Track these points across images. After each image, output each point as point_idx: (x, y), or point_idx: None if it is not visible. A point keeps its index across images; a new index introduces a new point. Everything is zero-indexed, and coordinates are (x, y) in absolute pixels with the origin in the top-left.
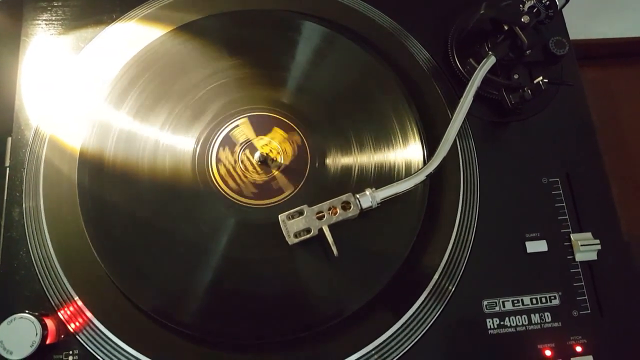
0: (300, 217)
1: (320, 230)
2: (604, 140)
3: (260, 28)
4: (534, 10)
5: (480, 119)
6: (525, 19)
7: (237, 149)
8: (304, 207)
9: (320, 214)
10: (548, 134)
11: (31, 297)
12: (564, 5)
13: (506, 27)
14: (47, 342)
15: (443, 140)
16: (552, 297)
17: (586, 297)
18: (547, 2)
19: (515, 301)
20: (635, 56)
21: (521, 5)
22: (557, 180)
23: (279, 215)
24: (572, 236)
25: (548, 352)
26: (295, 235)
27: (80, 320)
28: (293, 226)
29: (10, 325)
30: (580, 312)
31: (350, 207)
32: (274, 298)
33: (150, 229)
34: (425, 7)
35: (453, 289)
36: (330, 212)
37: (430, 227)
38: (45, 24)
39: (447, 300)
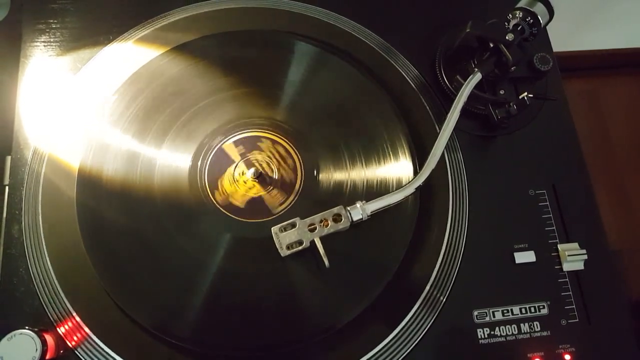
0: (293, 229)
1: (312, 242)
2: (592, 150)
3: (253, 48)
4: (519, 28)
5: (467, 134)
6: (509, 36)
7: (232, 165)
8: (296, 220)
9: (312, 226)
10: (534, 147)
11: (30, 313)
12: (547, 23)
13: (491, 45)
14: (47, 357)
15: (431, 153)
16: (541, 307)
17: (574, 306)
18: (531, 21)
19: (505, 311)
20: (621, 67)
21: (506, 24)
22: (544, 192)
23: (272, 228)
24: (559, 246)
25: None
26: (288, 247)
27: (79, 335)
28: (285, 238)
29: (11, 342)
30: (569, 321)
31: (341, 219)
32: (268, 311)
33: (148, 245)
34: (413, 26)
35: (444, 300)
36: (322, 224)
37: (421, 238)
38: (44, 46)
39: (438, 311)
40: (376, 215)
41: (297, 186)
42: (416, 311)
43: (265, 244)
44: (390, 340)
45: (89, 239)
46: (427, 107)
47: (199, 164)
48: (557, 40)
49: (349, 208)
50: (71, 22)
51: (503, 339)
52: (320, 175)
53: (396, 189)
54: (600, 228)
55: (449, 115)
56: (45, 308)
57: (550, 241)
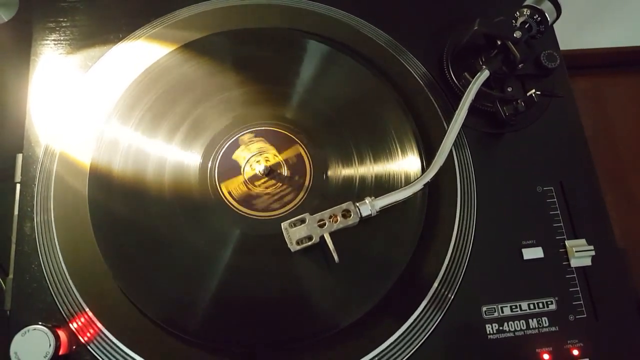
0: (302, 225)
1: (322, 238)
2: (596, 148)
3: (263, 46)
4: (526, 26)
5: (475, 131)
6: (517, 34)
7: (242, 162)
8: (306, 215)
9: (322, 222)
10: (542, 143)
11: (43, 309)
12: (555, 21)
13: (499, 42)
14: (60, 353)
15: (439, 150)
16: (549, 302)
17: (582, 301)
18: (539, 18)
19: (514, 307)
20: (625, 66)
21: (513, 21)
22: (552, 189)
23: (282, 223)
24: (567, 243)
25: (546, 356)
26: (298, 243)
27: (91, 331)
28: (295, 234)
29: (24, 337)
30: (577, 317)
31: (351, 215)
32: (277, 306)
33: (159, 240)
34: (421, 24)
35: (452, 297)
36: (331, 220)
37: (430, 235)
38: (54, 44)
39: (447, 308)
40: (385, 212)
41: (306, 182)
42: (424, 307)
43: (275, 240)
44: (399, 337)
45: (101, 235)
46: (435, 105)
47: (209, 160)
48: (562, 39)
49: (358, 204)
50: (81, 20)
51: (511, 334)
52: (330, 172)
53: (405, 186)
54: (608, 224)
55: (456, 112)
56: (58, 304)
57: (557, 237)
